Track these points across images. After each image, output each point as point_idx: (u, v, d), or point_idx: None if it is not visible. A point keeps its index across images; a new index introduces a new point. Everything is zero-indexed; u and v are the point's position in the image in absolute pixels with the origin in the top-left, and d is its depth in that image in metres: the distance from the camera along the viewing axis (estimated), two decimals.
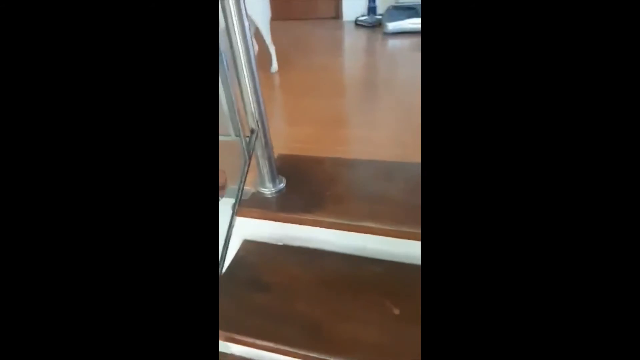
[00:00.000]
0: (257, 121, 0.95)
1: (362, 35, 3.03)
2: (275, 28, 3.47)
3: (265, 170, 1.04)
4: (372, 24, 3.16)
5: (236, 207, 0.97)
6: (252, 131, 0.95)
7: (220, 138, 0.97)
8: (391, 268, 0.98)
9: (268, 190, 1.06)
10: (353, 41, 2.97)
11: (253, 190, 1.08)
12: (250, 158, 0.94)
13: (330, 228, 0.96)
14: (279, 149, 1.27)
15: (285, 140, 1.41)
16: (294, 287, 0.96)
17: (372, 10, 3.27)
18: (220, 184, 0.82)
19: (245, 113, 0.95)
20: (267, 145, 1.00)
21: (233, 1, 0.79)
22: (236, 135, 0.95)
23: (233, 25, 0.82)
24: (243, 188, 0.96)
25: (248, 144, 0.94)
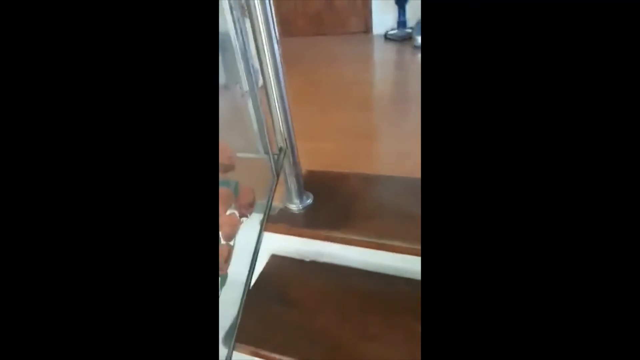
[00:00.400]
0: (285, 139, 0.97)
1: (391, 48, 3.04)
2: (305, 44, 3.55)
3: (292, 186, 1.06)
4: (402, 38, 3.16)
5: (264, 222, 0.99)
6: (280, 149, 0.97)
7: (249, 155, 1.00)
8: (419, 287, 0.96)
9: (295, 206, 1.08)
10: (382, 55, 2.99)
11: (281, 205, 1.10)
12: (278, 176, 0.96)
13: (357, 246, 0.96)
14: (306, 165, 1.29)
15: (313, 155, 1.43)
16: (320, 304, 0.96)
17: (402, 24, 3.28)
18: (248, 202, 0.84)
19: (274, 131, 0.97)
20: (295, 163, 1.02)
21: (262, 20, 0.82)
22: (265, 153, 0.98)
23: (263, 47, 0.85)
24: (271, 204, 0.97)
25: (276, 161, 0.96)
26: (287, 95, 0.94)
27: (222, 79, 0.90)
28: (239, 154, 0.94)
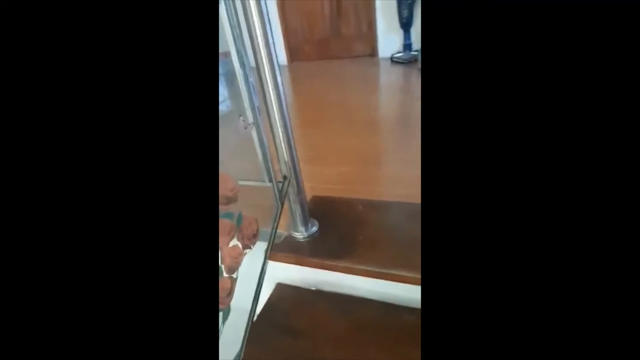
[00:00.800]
0: (289, 168, 0.98)
1: (397, 71, 3.07)
2: (312, 68, 3.60)
3: (297, 214, 1.06)
4: (408, 60, 3.20)
5: (268, 251, 0.99)
6: (284, 177, 0.98)
7: (253, 184, 1.01)
8: None
9: (300, 234, 1.08)
10: (388, 78, 3.02)
11: (286, 233, 1.10)
12: (282, 205, 0.97)
13: (362, 275, 0.95)
14: (311, 190, 1.29)
15: (318, 180, 1.43)
16: (325, 334, 0.95)
17: (407, 46, 3.33)
18: (252, 232, 0.84)
19: (278, 160, 0.98)
20: (300, 191, 1.02)
21: (263, 45, 0.83)
22: (269, 181, 0.99)
23: (266, 76, 0.87)
24: (275, 234, 0.98)
25: (280, 191, 0.96)
26: (291, 122, 0.96)
27: (226, 108, 0.92)
28: (244, 182, 0.95)
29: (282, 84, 0.91)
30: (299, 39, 3.89)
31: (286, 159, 0.98)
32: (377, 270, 0.93)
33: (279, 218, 0.97)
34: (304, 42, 3.89)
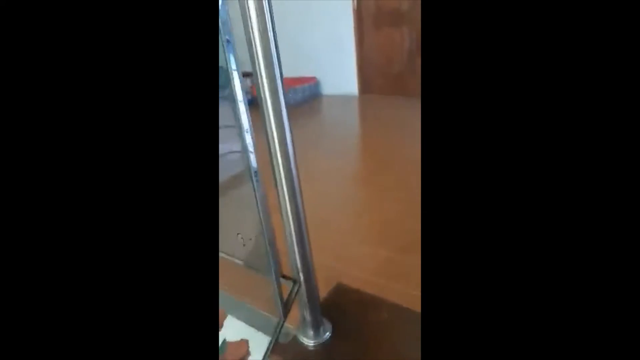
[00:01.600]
0: (300, 269, 0.83)
1: None
2: (382, 103, 3.44)
3: (307, 319, 0.90)
4: None
5: None
6: (293, 281, 0.83)
7: (256, 274, 0.86)
8: None
9: (309, 339, 0.92)
10: None
11: (294, 332, 0.95)
12: (285, 317, 0.81)
13: None
14: (336, 274, 1.12)
15: (349, 260, 1.26)
16: None
17: None
18: (239, 357, 0.70)
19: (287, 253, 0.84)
20: (312, 297, 0.87)
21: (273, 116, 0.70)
22: (274, 280, 0.84)
23: (276, 153, 0.73)
24: (274, 343, 0.82)
25: (285, 303, 0.81)
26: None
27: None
28: (244, 264, 0.81)
29: (292, 140, 0.74)
30: (373, 71, 3.75)
31: (297, 258, 0.83)
32: None
33: (280, 330, 0.82)
34: (378, 74, 3.73)
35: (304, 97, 3.80)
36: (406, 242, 1.31)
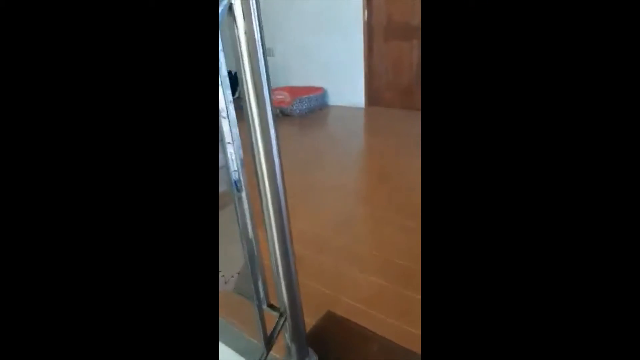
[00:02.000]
0: (286, 301, 0.80)
1: None
2: (388, 116, 3.41)
3: (292, 348, 0.86)
4: None
5: None
6: (279, 314, 0.80)
7: (240, 297, 0.82)
8: None
9: None
10: None
11: (279, 357, 0.91)
12: (268, 351, 0.77)
13: None
14: (327, 300, 1.08)
15: (341, 285, 1.22)
16: None
17: None
18: None
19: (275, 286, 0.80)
20: (298, 330, 0.83)
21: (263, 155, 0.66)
22: (257, 311, 0.80)
23: (262, 167, 0.70)
24: None
25: (269, 336, 0.77)
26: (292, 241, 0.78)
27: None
28: (233, 290, 0.78)
29: (279, 161, 0.70)
30: (381, 83, 3.72)
31: (283, 287, 0.79)
32: None
33: None
34: (386, 87, 3.71)
35: (310, 107, 3.78)
36: (404, 273, 1.27)
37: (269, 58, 4.54)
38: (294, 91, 3.72)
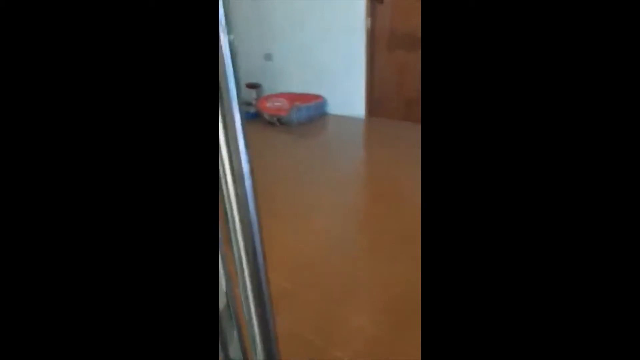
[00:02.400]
0: None
1: None
2: (389, 129, 3.30)
3: None
4: None
5: None
6: None
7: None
8: None
9: None
10: None
11: None
12: None
13: None
14: (310, 349, 0.93)
15: (330, 332, 1.07)
16: None
17: None
18: None
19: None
20: None
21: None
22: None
23: (229, 194, 0.55)
24: None
25: None
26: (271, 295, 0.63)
27: None
28: None
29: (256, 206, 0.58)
30: (382, 94, 3.60)
31: (257, 346, 0.65)
32: None
33: None
34: (388, 98, 3.58)
35: (309, 116, 3.65)
36: (402, 320, 1.12)
37: (267, 63, 4.41)
38: (293, 98, 3.59)
